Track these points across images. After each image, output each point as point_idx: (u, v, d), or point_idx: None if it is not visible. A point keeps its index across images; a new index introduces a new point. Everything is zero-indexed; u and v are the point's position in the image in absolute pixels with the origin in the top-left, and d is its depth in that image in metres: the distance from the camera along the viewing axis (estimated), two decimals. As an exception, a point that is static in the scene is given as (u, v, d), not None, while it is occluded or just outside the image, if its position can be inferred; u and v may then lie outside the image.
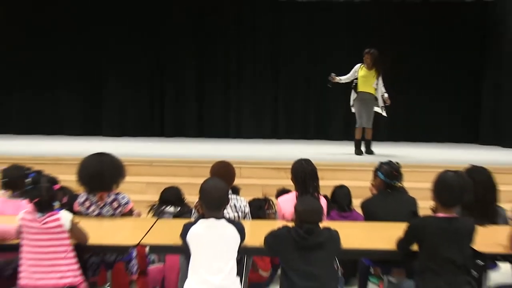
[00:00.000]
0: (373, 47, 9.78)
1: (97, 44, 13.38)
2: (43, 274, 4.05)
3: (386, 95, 9.87)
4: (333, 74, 9.97)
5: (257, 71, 13.51)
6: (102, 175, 5.05)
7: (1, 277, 4.93)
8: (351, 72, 9.93)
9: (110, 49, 13.42)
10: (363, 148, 10.24)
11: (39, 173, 4.61)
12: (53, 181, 4.26)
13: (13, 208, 5.03)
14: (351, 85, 9.93)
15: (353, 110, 10.07)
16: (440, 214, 4.03)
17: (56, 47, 13.37)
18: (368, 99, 9.85)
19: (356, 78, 9.83)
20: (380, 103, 9.89)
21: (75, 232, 4.17)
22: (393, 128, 12.84)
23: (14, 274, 4.18)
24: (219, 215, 4.15)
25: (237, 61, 13.52)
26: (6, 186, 5.28)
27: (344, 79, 10.00)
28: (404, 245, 4.17)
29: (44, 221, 4.03)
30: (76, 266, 4.16)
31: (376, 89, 9.85)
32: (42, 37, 13.37)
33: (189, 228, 4.10)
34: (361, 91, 9.83)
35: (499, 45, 12.35)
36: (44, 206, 4.07)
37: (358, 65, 9.89)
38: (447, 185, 4.04)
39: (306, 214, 4.08)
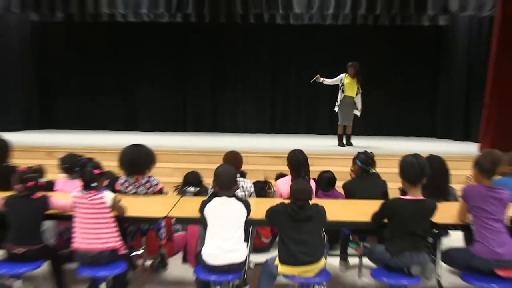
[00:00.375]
0: (354, 60, 9.83)
1: (134, 60, 13.40)
2: (91, 240, 4.06)
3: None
4: (319, 75, 10.04)
5: (260, 80, 13.49)
6: (138, 161, 5.06)
7: (62, 240, 5.01)
8: (336, 78, 10.00)
9: (144, 63, 13.43)
10: (344, 141, 10.24)
11: (90, 159, 4.59)
12: (97, 166, 4.24)
13: (71, 187, 5.05)
14: (340, 88, 9.96)
15: (336, 110, 10.08)
16: (408, 197, 4.02)
17: (104, 62, 13.43)
18: (350, 102, 9.93)
19: (343, 85, 9.87)
20: (358, 106, 9.92)
21: (116, 207, 4.18)
22: (368, 125, 12.80)
23: (71, 238, 4.19)
24: (229, 194, 4.15)
25: (244, 71, 13.49)
26: (65, 170, 5.31)
27: (327, 81, 10.08)
28: (377, 219, 4.16)
29: (91, 198, 4.05)
30: (116, 234, 4.16)
31: (357, 94, 9.92)
32: (93, 55, 13.42)
33: (206, 204, 4.10)
34: (346, 95, 9.91)
35: (451, 60, 12.36)
36: (86, 185, 4.11)
37: (343, 74, 9.94)
38: (409, 165, 4.04)
39: (299, 193, 4.08)
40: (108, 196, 4.12)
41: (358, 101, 9.99)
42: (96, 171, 4.18)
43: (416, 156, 4.13)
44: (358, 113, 10.07)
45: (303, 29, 12.61)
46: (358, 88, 9.94)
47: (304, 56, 13.21)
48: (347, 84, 9.89)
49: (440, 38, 12.78)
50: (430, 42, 12.93)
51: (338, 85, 10.00)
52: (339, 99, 10.01)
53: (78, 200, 4.11)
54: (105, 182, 4.51)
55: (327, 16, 11.65)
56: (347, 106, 9.96)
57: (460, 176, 5.87)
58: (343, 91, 9.93)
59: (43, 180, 4.79)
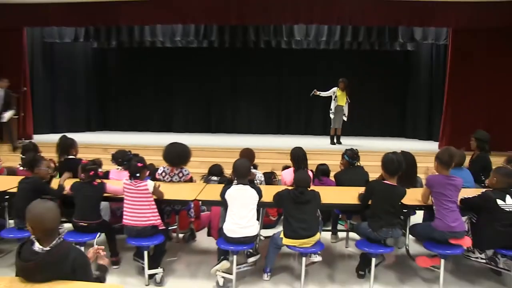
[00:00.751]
0: (344, 77, 9.90)
1: (170, 76, 13.39)
2: (136, 217, 4.09)
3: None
4: (315, 90, 10.01)
5: (268, 92, 13.28)
6: (180, 156, 5.09)
7: (115, 217, 5.10)
8: (330, 91, 9.95)
9: (178, 79, 13.38)
10: (335, 140, 10.20)
11: (135, 155, 4.58)
12: (141, 160, 4.29)
13: (122, 176, 5.11)
14: (333, 99, 9.93)
15: (331, 116, 10.04)
16: (386, 181, 4.08)
17: (147, 78, 13.48)
18: (340, 110, 9.89)
19: (336, 96, 9.86)
20: (346, 113, 9.93)
21: (156, 192, 4.20)
22: (353, 127, 12.66)
23: (122, 216, 4.25)
24: (244, 182, 4.15)
25: (256, 85, 13.30)
26: (117, 163, 5.34)
27: (323, 94, 10.02)
28: (363, 199, 4.20)
29: (137, 185, 4.07)
30: (156, 213, 4.17)
31: (346, 103, 9.89)
32: (139, 73, 13.46)
33: (226, 190, 4.11)
34: (338, 104, 9.87)
35: (417, 77, 12.25)
36: (132, 175, 4.15)
37: (335, 88, 9.90)
38: (389, 161, 4.09)
39: (300, 182, 4.10)
40: (150, 184, 4.15)
41: (346, 109, 9.94)
42: (140, 165, 4.21)
43: (395, 153, 4.20)
44: (345, 118, 10.02)
45: (302, 52, 12.46)
46: (346, 99, 9.90)
47: (303, 73, 13.05)
48: (339, 96, 9.84)
49: (409, 60, 12.62)
50: (401, 63, 12.77)
51: (331, 96, 9.97)
52: (333, 107, 9.95)
53: (127, 186, 4.14)
54: (147, 173, 4.52)
55: (321, 42, 11.54)
56: (338, 113, 9.92)
57: (425, 168, 5.82)
58: (336, 101, 9.88)
59: (101, 170, 4.81)
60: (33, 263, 2.28)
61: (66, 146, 5.43)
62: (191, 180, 5.20)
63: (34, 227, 2.39)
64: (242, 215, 4.02)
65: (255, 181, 4.94)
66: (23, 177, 4.48)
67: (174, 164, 5.07)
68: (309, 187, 4.15)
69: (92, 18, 9.95)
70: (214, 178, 5.66)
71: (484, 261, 4.24)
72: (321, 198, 4.11)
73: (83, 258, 2.49)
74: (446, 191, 3.99)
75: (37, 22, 10.22)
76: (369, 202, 4.14)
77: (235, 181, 4.23)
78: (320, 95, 10.06)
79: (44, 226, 2.38)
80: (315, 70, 12.94)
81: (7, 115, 9.23)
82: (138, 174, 4.16)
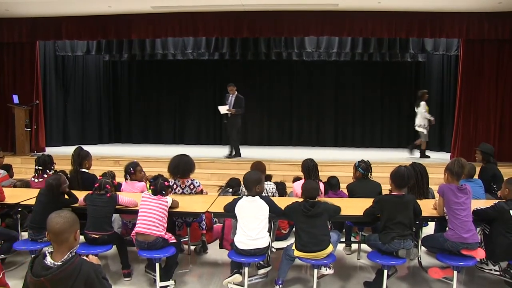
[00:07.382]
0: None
1: (182, 89, 13.47)
2: (150, 226, 4.17)
3: None
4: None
5: (280, 104, 13.29)
6: (179, 167, 5.12)
7: (127, 229, 5.24)
8: (422, 110, 9.84)
9: (189, 91, 13.46)
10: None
11: (159, 175, 4.61)
12: (166, 180, 4.46)
13: (133, 187, 5.26)
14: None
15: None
16: (394, 193, 4.14)
17: (159, 91, 13.62)
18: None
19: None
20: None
21: (172, 205, 4.35)
22: (364, 139, 12.73)
23: (133, 226, 4.34)
24: (254, 194, 4.20)
25: (267, 97, 13.37)
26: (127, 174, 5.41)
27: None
28: (369, 213, 4.21)
29: (159, 200, 4.26)
30: (165, 229, 4.27)
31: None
32: (150, 86, 13.58)
33: (237, 202, 4.14)
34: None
35: (428, 88, 11.76)
36: (156, 192, 4.28)
37: (423, 103, 9.89)
38: (399, 174, 4.16)
39: (308, 190, 4.19)
40: (169, 200, 4.31)
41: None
42: (166, 183, 4.38)
43: (406, 168, 4.29)
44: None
45: (313, 64, 12.51)
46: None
47: (314, 84, 13.08)
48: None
49: (420, 71, 12.60)
50: (412, 74, 12.77)
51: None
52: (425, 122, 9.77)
53: (146, 199, 4.27)
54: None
55: (332, 54, 11.59)
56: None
57: (437, 179, 5.81)
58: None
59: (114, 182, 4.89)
60: (44, 279, 2.28)
61: (80, 158, 5.48)
62: (202, 192, 5.24)
63: (53, 239, 2.43)
64: (252, 227, 4.04)
65: (266, 194, 4.96)
66: (37, 189, 4.54)
67: (174, 175, 5.15)
68: (318, 196, 4.19)
69: (104, 32, 10.15)
70: (230, 190, 5.71)
71: (498, 273, 4.23)
72: (333, 209, 4.13)
73: (96, 271, 2.47)
74: (459, 199, 4.01)
75: (50, 35, 10.46)
76: (378, 215, 4.16)
77: (245, 193, 4.27)
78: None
79: (62, 237, 2.42)
80: (326, 81, 12.97)
81: None
82: (164, 192, 4.32)
